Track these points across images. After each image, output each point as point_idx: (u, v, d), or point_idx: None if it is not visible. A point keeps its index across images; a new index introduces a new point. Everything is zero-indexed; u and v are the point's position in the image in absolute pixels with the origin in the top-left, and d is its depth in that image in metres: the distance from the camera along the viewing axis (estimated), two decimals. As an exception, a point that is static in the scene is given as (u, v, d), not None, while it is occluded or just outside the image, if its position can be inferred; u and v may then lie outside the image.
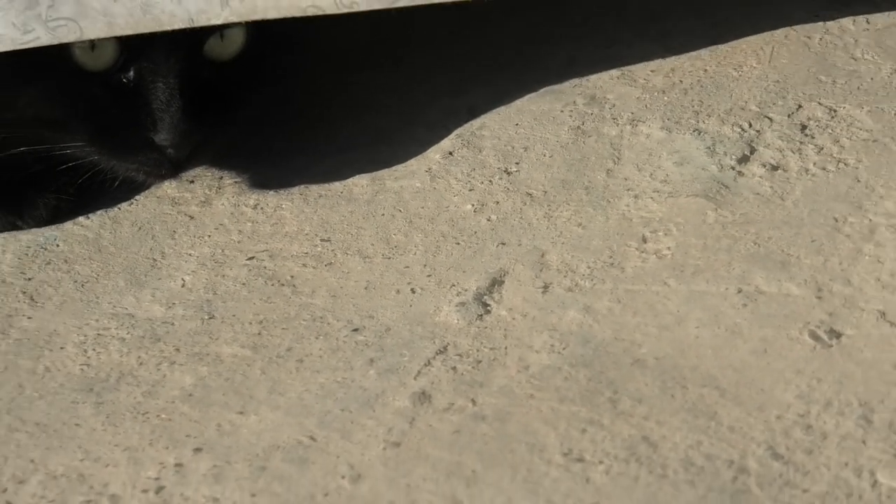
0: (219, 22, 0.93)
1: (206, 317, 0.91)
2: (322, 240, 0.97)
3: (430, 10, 1.00)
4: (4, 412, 0.85)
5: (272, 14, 0.94)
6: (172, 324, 0.91)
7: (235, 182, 1.03)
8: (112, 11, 0.92)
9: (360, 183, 1.01)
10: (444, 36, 1.13)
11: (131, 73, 0.95)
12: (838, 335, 0.82)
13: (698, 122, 1.00)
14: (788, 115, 0.99)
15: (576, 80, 1.07)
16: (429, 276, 0.92)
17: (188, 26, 0.93)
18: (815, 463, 0.74)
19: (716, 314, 0.85)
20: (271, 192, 1.01)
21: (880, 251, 0.87)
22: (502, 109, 1.05)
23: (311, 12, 0.94)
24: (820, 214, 0.90)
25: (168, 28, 0.93)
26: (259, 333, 0.89)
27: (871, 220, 0.89)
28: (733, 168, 0.96)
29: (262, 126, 1.05)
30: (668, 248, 0.90)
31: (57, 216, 1.00)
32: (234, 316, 0.91)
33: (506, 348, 0.85)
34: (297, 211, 0.99)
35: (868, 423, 0.76)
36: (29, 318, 0.93)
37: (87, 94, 0.94)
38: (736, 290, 0.86)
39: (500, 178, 0.99)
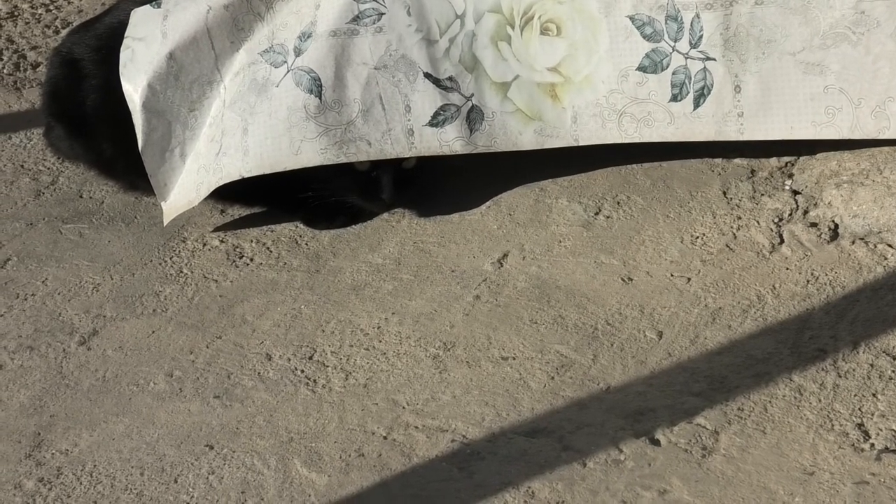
0: (406, 155, 2.37)
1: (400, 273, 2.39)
2: (441, 236, 2.42)
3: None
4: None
5: (424, 153, 2.37)
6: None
7: (410, 213, 2.47)
8: (370, 152, 2.35)
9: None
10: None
11: (374, 172, 2.38)
12: (631, 279, 2.25)
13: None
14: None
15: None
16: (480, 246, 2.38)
17: (399, 156, 2.37)
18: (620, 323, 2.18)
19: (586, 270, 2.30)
20: (426, 219, 2.47)
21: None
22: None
23: (445, 151, 2.40)
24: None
25: (391, 157, 2.35)
26: (415, 277, 2.35)
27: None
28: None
29: (424, 193, 2.50)
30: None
31: (344, 224, 2.43)
32: (417, 268, 2.38)
33: (508, 280, 2.30)
34: (439, 224, 2.46)
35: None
36: (333, 256, 2.41)
37: (359, 179, 2.38)
38: (594, 262, 2.30)
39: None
